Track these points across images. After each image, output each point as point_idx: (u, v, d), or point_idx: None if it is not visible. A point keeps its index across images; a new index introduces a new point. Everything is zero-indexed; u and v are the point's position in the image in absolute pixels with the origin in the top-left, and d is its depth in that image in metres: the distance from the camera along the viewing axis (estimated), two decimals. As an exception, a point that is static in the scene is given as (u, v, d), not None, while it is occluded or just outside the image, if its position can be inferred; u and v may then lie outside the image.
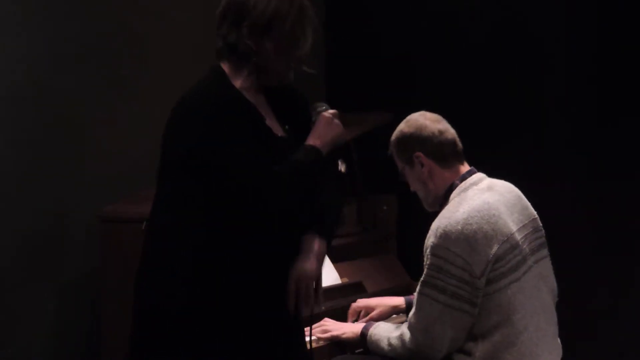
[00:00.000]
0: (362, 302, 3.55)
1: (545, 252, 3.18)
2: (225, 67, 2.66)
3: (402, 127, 3.25)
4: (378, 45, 4.76)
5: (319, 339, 3.36)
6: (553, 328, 3.15)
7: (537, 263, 3.11)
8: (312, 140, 2.66)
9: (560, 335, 3.19)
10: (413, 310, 3.06)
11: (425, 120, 3.22)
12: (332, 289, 3.81)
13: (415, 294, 3.07)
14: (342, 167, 2.78)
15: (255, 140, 2.58)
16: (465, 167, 3.21)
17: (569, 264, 3.27)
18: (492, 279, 2.99)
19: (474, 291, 2.98)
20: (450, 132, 3.22)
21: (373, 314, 3.48)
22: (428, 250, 3.03)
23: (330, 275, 3.85)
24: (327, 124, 2.69)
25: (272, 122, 2.68)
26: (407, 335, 3.06)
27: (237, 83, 2.64)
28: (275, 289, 2.64)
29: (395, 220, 4.33)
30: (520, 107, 4.35)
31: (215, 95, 2.59)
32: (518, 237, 3.06)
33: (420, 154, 3.19)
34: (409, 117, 3.27)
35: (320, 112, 2.72)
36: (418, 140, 3.20)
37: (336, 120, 2.71)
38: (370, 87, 4.77)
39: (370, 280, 3.99)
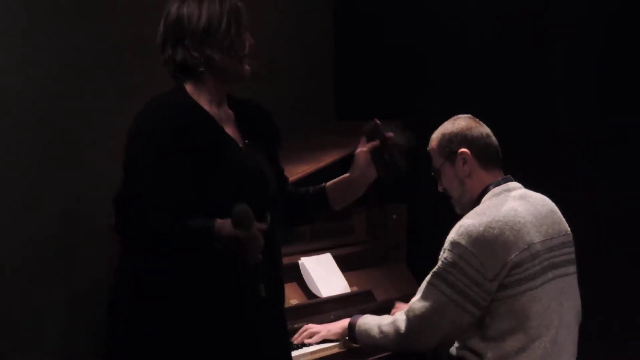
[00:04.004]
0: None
1: (572, 269, 3.17)
2: (187, 87, 2.75)
3: (449, 124, 3.25)
4: (386, 53, 4.75)
5: (308, 344, 3.42)
6: (572, 347, 3.14)
7: (561, 278, 3.10)
8: (222, 229, 2.51)
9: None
10: (417, 296, 3.08)
11: (473, 122, 3.24)
12: (342, 297, 3.80)
13: (424, 282, 3.08)
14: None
15: (207, 145, 2.62)
16: (501, 174, 3.23)
17: (579, 270, 3.25)
18: (507, 285, 3.00)
19: (482, 293, 2.99)
20: (494, 138, 3.24)
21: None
22: (446, 244, 3.05)
23: (339, 284, 3.85)
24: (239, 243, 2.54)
25: (233, 133, 2.74)
26: (403, 319, 3.08)
27: (201, 99, 2.72)
28: (240, 291, 2.65)
29: (404, 229, 4.32)
30: (530, 112, 4.33)
31: (165, 101, 2.69)
32: (540, 247, 3.06)
33: (466, 151, 3.19)
34: (455, 117, 3.27)
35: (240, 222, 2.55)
36: (466, 138, 3.20)
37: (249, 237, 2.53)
38: (379, 95, 4.76)
39: (379, 289, 3.98)
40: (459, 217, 3.17)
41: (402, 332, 3.08)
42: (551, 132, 4.31)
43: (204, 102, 2.72)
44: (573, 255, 3.19)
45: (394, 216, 4.31)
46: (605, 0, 4.21)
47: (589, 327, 3.31)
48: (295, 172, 3.83)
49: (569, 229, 3.20)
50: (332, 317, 3.65)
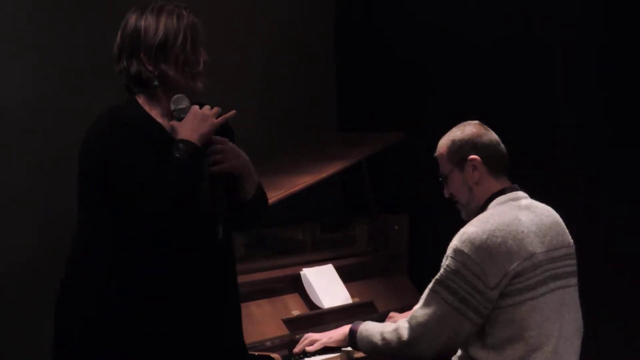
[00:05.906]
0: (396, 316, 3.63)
1: (573, 281, 3.17)
2: (139, 99, 2.76)
3: (457, 131, 3.23)
4: (389, 65, 4.76)
5: (309, 352, 3.44)
6: (574, 359, 3.14)
7: (562, 289, 3.10)
8: (188, 134, 2.64)
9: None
10: (420, 304, 3.08)
11: (482, 128, 3.23)
12: (343, 308, 3.80)
13: (427, 289, 3.08)
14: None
15: (155, 157, 2.64)
16: (509, 182, 3.21)
17: (583, 281, 3.26)
18: (508, 294, 3.00)
19: (484, 301, 2.99)
20: (503, 145, 3.23)
21: None
22: (449, 251, 3.05)
23: (341, 295, 3.85)
24: (201, 119, 2.67)
25: None
26: (405, 327, 3.08)
27: (153, 112, 2.74)
28: (189, 297, 2.68)
29: (406, 240, 4.32)
30: (534, 120, 4.33)
31: (118, 115, 2.70)
32: (542, 258, 3.06)
33: (476, 157, 3.17)
34: (464, 123, 3.25)
35: (183, 108, 2.69)
36: (476, 145, 3.18)
37: (208, 115, 2.69)
38: (382, 107, 4.76)
39: (381, 300, 3.98)
40: (460, 227, 3.17)
41: (404, 339, 3.08)
42: (557, 141, 4.31)
43: (156, 115, 2.74)
44: (575, 268, 3.18)
45: (396, 227, 4.31)
46: (604, 3, 4.22)
47: (591, 337, 3.31)
48: (297, 183, 3.84)
49: (572, 241, 3.20)
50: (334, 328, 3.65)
